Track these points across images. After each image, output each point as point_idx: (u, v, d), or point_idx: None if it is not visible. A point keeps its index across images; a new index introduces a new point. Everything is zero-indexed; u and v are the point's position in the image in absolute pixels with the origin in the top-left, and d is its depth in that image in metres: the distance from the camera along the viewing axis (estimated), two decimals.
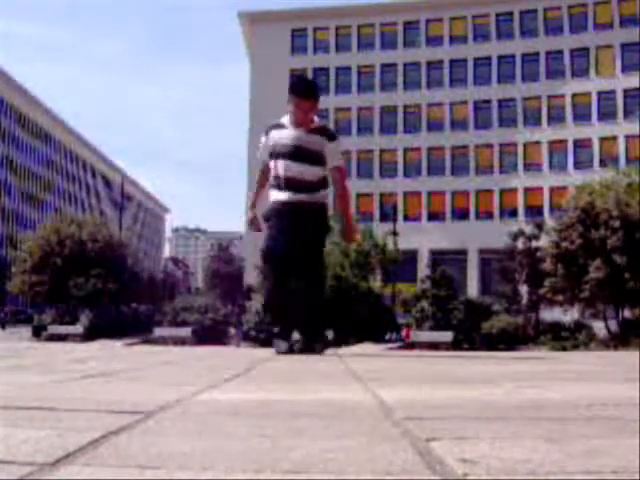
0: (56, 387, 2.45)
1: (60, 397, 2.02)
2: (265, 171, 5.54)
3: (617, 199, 23.00)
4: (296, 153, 5.24)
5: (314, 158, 5.27)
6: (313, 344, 5.34)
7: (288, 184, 5.26)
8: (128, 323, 30.13)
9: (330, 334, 23.14)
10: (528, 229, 28.92)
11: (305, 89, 5.37)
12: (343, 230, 5.65)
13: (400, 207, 54.08)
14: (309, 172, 5.27)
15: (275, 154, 5.33)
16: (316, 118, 5.41)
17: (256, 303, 29.88)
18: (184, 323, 27.21)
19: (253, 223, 5.60)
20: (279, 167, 5.31)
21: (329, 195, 5.48)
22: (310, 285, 5.34)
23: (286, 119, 5.39)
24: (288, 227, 5.23)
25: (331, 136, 5.41)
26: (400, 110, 58.93)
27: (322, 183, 5.39)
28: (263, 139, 5.48)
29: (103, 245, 32.52)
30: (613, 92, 54.15)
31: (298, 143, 5.25)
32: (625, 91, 53.82)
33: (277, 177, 5.33)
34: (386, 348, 20.95)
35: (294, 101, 5.24)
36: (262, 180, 5.58)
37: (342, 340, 22.65)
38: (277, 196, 5.33)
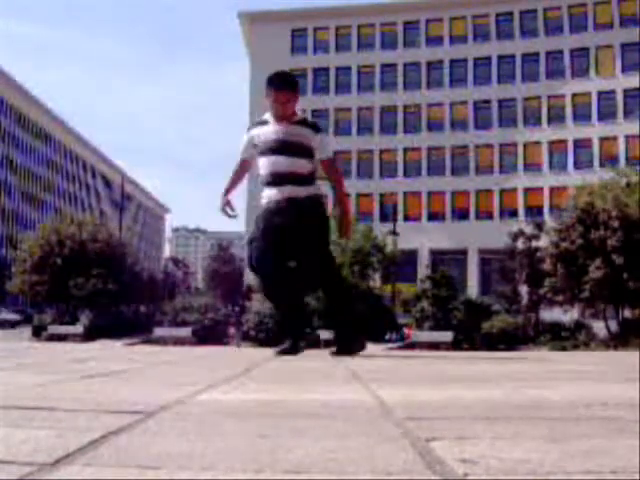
0: (56, 387, 2.44)
1: (60, 397, 2.02)
2: (241, 169, 5.50)
3: (616, 199, 23.02)
4: (282, 147, 5.19)
5: (301, 151, 5.22)
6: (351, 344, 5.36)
7: (278, 179, 5.19)
8: (128, 323, 30.15)
9: (330, 334, 23.14)
10: (528, 229, 28.93)
11: (281, 80, 5.30)
12: (339, 224, 5.57)
13: (400, 207, 54.08)
14: (298, 165, 5.21)
15: (261, 151, 5.27)
16: (299, 112, 5.36)
17: (256, 303, 29.89)
18: (184, 323, 27.21)
19: (225, 209, 5.43)
20: (267, 163, 5.25)
21: (321, 187, 5.42)
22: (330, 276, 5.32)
23: (268, 115, 5.34)
24: (285, 228, 5.15)
25: (316, 128, 5.36)
26: (400, 110, 58.92)
27: (312, 176, 5.33)
28: (245, 137, 5.43)
29: (103, 245, 32.52)
30: (613, 92, 54.15)
31: (283, 137, 5.19)
32: (625, 91, 53.81)
33: (266, 174, 5.26)
34: (386, 348, 20.94)
35: (272, 94, 5.20)
36: (235, 178, 5.52)
37: None
38: (270, 195, 5.25)
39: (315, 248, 5.24)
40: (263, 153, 5.27)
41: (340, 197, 5.51)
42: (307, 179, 5.27)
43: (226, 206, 5.43)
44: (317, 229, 5.28)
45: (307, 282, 5.44)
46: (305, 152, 5.24)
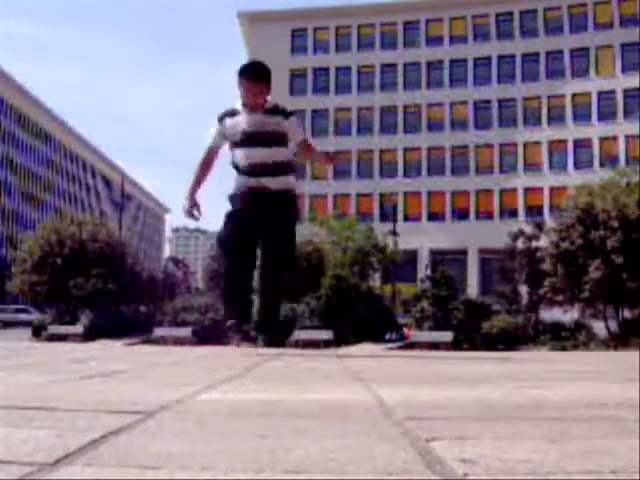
0: (56, 387, 2.44)
1: (60, 397, 2.02)
2: (209, 158, 5.35)
3: (615, 199, 23.03)
4: (257, 137, 5.11)
5: (276, 139, 5.16)
6: (276, 337, 5.30)
7: (254, 170, 5.13)
8: (128, 323, 30.09)
9: (330, 334, 23.17)
10: (528, 229, 28.92)
11: (253, 71, 5.17)
12: (322, 161, 5.65)
13: (400, 207, 54.09)
14: (274, 154, 5.15)
15: (235, 142, 5.18)
16: (269, 98, 5.23)
17: (256, 303, 29.86)
18: (184, 323, 27.17)
19: (192, 212, 5.24)
20: (242, 155, 5.16)
21: (296, 181, 5.39)
22: (275, 269, 5.26)
23: (240, 105, 5.24)
24: (255, 217, 5.10)
25: (287, 113, 5.28)
26: (400, 110, 58.93)
27: (289, 166, 5.27)
28: (216, 126, 5.28)
29: (103, 245, 32.49)
30: (613, 92, 54.16)
31: (257, 127, 5.12)
32: (625, 91, 53.82)
33: (242, 165, 5.18)
34: (386, 348, 20.94)
35: (243, 84, 5.10)
36: (204, 168, 5.36)
37: (342, 340, 22.65)
38: (245, 182, 5.18)
39: (283, 245, 5.21)
40: (238, 144, 5.18)
41: (319, 155, 5.58)
42: (285, 167, 5.22)
43: (193, 208, 5.25)
44: (287, 226, 5.25)
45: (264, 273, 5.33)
46: (281, 140, 5.18)
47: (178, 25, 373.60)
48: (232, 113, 5.25)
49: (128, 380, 2.91)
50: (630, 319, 24.25)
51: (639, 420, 1.58)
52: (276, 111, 5.23)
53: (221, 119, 5.27)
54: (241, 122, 5.16)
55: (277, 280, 5.37)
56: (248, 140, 5.13)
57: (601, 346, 21.88)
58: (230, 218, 5.24)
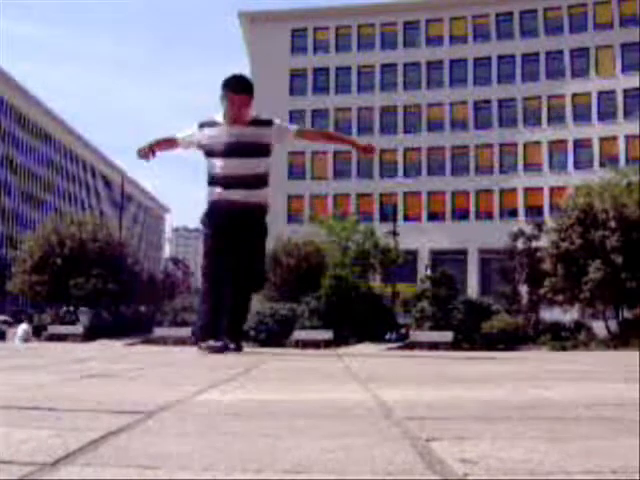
0: (56, 387, 2.44)
1: (60, 397, 2.02)
2: (170, 142, 5.46)
3: (614, 199, 23.04)
4: (236, 149, 5.15)
5: (256, 150, 5.21)
6: (239, 344, 5.40)
7: (230, 182, 5.17)
8: (128, 323, 30.10)
9: (330, 334, 23.19)
10: (528, 229, 28.95)
11: (238, 84, 5.25)
12: (357, 150, 5.88)
13: (400, 207, 54.08)
14: (251, 166, 5.20)
15: (213, 152, 5.22)
16: (251, 112, 5.31)
17: (256, 303, 29.89)
18: (184, 323, 27.19)
19: (147, 152, 5.30)
20: (219, 165, 5.21)
21: (270, 194, 5.42)
22: (247, 282, 5.35)
23: (220, 116, 5.29)
24: (228, 237, 5.18)
25: (268, 122, 5.35)
26: (400, 110, 58.93)
27: (264, 178, 5.32)
28: (194, 130, 5.35)
29: (103, 245, 32.51)
30: (613, 92, 54.16)
31: (236, 139, 5.17)
32: (625, 91, 53.82)
33: (218, 176, 5.23)
34: (386, 348, 20.96)
35: (228, 96, 5.16)
36: (165, 145, 5.48)
37: (342, 340, 22.66)
38: (218, 195, 5.23)
39: (253, 260, 5.31)
40: (215, 155, 5.22)
41: (337, 138, 5.81)
42: (259, 182, 5.27)
43: (152, 151, 5.32)
44: (257, 242, 5.33)
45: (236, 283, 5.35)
46: (261, 151, 5.25)
47: (178, 25, 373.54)
48: (213, 124, 5.30)
49: (128, 380, 2.91)
50: (630, 319, 24.26)
51: (639, 420, 1.58)
52: (257, 122, 5.29)
53: (201, 126, 5.34)
54: (221, 133, 5.21)
55: (248, 297, 5.55)
56: (228, 151, 5.18)
57: (601, 346, 21.89)
58: (208, 245, 5.35)
